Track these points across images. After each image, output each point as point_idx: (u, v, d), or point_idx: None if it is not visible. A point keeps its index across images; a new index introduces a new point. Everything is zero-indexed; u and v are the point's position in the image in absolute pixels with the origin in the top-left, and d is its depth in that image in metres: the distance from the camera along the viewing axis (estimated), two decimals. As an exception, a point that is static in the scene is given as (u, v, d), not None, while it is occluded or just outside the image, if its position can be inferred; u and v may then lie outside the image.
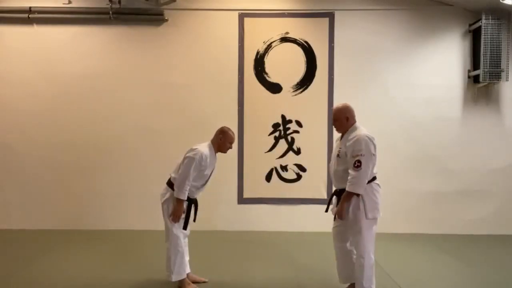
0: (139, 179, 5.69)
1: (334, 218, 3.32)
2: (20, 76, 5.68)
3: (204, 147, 3.44)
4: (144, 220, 5.66)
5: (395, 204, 5.45)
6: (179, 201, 3.35)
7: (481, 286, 3.70)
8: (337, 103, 3.44)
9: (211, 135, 3.64)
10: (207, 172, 3.47)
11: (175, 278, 3.45)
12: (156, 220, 5.63)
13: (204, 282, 3.69)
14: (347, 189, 3.08)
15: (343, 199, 3.14)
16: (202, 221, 3.96)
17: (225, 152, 3.58)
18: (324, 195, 5.65)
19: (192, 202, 3.53)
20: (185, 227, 3.50)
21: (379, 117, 5.57)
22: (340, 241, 3.35)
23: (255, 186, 5.68)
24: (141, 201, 5.67)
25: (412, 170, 5.60)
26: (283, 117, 5.69)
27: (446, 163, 5.61)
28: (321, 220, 5.61)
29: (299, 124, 5.69)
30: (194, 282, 3.61)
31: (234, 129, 5.54)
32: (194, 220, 3.61)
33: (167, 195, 3.45)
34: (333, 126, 3.34)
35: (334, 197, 3.36)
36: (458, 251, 4.78)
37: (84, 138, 5.69)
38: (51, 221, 5.66)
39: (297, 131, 5.69)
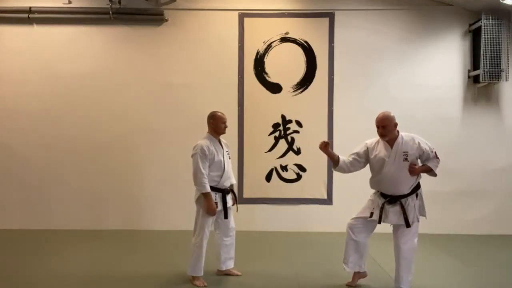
0: (139, 178, 5.69)
1: (380, 220, 3.45)
2: (20, 76, 5.68)
3: (202, 140, 3.65)
4: (144, 219, 5.67)
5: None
6: (204, 195, 3.54)
7: (481, 286, 3.70)
8: (382, 112, 3.52)
9: (211, 135, 3.73)
10: (218, 158, 3.61)
11: (190, 272, 3.65)
12: (156, 220, 5.68)
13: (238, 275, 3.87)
14: (432, 167, 3.40)
15: (423, 167, 3.41)
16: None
17: (223, 132, 3.73)
18: (324, 195, 5.65)
19: (225, 192, 3.68)
20: (225, 216, 3.68)
21: (379, 117, 5.56)
22: (367, 233, 3.55)
23: (255, 186, 5.68)
24: (141, 201, 5.68)
25: (412, 170, 5.59)
26: (283, 117, 5.69)
27: (446, 163, 5.53)
28: (321, 220, 5.64)
29: (299, 124, 5.68)
30: (227, 275, 3.85)
31: (234, 129, 5.59)
32: (237, 210, 3.90)
33: (197, 195, 3.63)
34: (380, 132, 3.44)
35: (388, 204, 3.42)
36: (458, 251, 4.78)
37: (84, 138, 5.69)
38: (51, 221, 5.65)
39: (297, 131, 5.69)
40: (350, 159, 3.56)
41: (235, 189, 3.95)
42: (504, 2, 4.93)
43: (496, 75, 5.28)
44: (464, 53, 5.62)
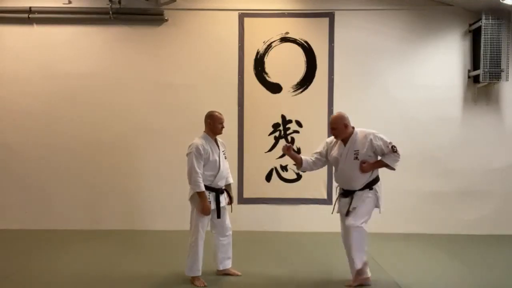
0: (139, 178, 5.69)
1: (347, 213, 3.51)
2: (20, 76, 5.68)
3: (197, 139, 3.65)
4: (144, 219, 5.67)
5: (395, 204, 5.42)
6: (198, 194, 3.53)
7: (480, 286, 3.69)
8: (334, 113, 3.61)
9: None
10: (213, 158, 3.60)
11: (187, 272, 3.65)
12: (156, 220, 5.68)
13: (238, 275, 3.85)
14: (386, 161, 3.45)
15: (376, 163, 3.48)
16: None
17: (220, 133, 3.74)
18: (324, 195, 5.65)
19: (219, 191, 3.68)
20: (218, 216, 3.66)
21: (379, 117, 5.57)
22: None
23: (255, 186, 5.67)
24: (141, 201, 5.68)
25: (412, 170, 5.57)
26: (283, 117, 5.69)
27: (446, 163, 5.60)
28: (321, 220, 5.63)
29: (299, 124, 5.69)
30: (227, 274, 3.83)
31: (234, 129, 5.60)
32: (231, 211, 3.89)
33: (190, 193, 3.63)
34: (333, 133, 3.58)
35: (342, 197, 3.59)
36: (458, 251, 4.78)
37: (84, 138, 5.69)
38: (51, 221, 5.66)
39: (297, 131, 5.69)
40: (313, 158, 3.75)
41: (234, 189, 3.96)
42: (504, 2, 4.93)
43: (496, 75, 5.28)
44: (464, 53, 5.62)
